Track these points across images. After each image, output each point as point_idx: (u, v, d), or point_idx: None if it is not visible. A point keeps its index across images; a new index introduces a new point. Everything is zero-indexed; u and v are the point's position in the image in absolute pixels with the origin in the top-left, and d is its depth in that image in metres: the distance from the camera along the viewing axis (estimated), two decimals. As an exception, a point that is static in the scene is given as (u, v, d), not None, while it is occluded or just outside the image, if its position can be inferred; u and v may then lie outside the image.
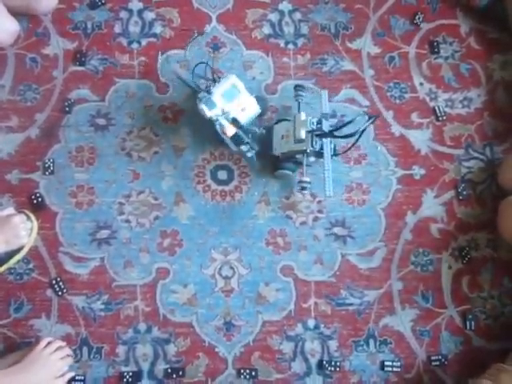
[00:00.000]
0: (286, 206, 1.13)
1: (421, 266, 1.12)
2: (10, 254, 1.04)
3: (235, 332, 1.07)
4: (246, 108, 1.05)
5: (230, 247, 1.11)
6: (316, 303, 1.09)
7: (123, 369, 1.05)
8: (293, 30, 1.21)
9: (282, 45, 1.20)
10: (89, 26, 1.19)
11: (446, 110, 1.20)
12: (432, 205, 1.15)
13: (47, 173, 1.11)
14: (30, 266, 1.08)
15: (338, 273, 1.11)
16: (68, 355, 1.01)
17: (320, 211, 1.13)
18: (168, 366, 1.05)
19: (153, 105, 1.16)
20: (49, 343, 1.00)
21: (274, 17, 1.22)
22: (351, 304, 1.10)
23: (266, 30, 1.21)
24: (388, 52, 1.22)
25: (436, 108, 1.19)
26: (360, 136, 1.03)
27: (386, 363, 1.07)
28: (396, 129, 1.18)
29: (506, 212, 1.10)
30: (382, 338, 1.09)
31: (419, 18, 1.23)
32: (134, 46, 1.19)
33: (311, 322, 1.09)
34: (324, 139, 1.05)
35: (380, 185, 1.15)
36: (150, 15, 1.20)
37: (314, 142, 1.04)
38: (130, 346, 1.06)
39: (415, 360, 1.09)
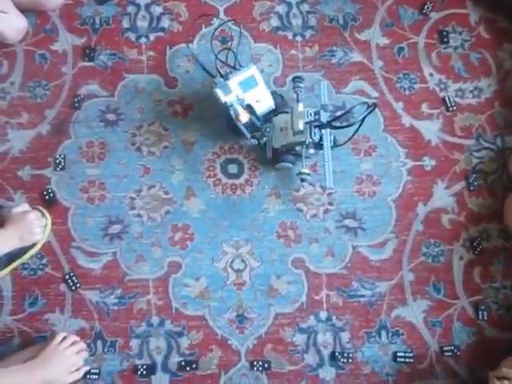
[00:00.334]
0: (297, 198, 1.13)
1: (432, 257, 1.12)
2: (24, 250, 1.05)
3: (248, 324, 1.08)
4: (260, 100, 1.04)
5: (241, 240, 1.11)
6: (328, 295, 1.10)
7: (137, 362, 1.06)
8: (301, 21, 1.21)
9: (290, 37, 1.20)
10: (97, 21, 1.19)
11: (457, 100, 1.19)
12: (443, 196, 1.15)
13: (58, 168, 1.12)
14: (44, 261, 1.09)
15: (349, 265, 1.11)
16: (83, 350, 1.02)
17: (330, 203, 1.13)
18: (181, 358, 1.06)
19: (162, 99, 1.16)
20: (64, 338, 1.01)
21: (281, 9, 1.21)
22: (363, 296, 1.10)
23: (274, 22, 1.21)
24: (397, 42, 1.21)
25: (446, 98, 1.18)
26: (360, 126, 1.03)
27: (399, 354, 1.08)
28: (406, 120, 1.17)
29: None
30: (394, 329, 1.09)
31: (428, 8, 1.22)
32: (143, 40, 1.19)
33: (323, 314, 1.09)
34: (323, 130, 1.04)
35: (390, 176, 1.15)
36: (157, 9, 1.20)
37: (312, 134, 1.03)
38: (143, 339, 1.07)
39: (427, 351, 1.09)
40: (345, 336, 1.08)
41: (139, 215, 1.11)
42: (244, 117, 1.01)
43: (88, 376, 1.03)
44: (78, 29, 1.19)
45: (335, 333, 1.09)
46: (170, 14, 1.20)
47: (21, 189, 1.11)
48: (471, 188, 1.15)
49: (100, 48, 1.18)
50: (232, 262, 1.10)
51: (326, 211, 1.13)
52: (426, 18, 1.23)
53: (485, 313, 1.10)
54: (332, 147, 1.06)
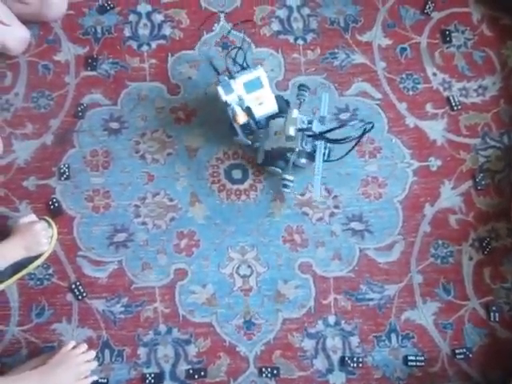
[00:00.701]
0: (302, 202, 1.12)
1: (441, 259, 1.11)
2: (30, 260, 1.05)
3: (255, 331, 1.07)
4: (263, 103, 1.03)
5: (247, 246, 1.10)
6: (336, 299, 1.08)
7: (145, 370, 1.05)
8: (302, 25, 1.21)
9: (292, 41, 1.20)
10: (98, 30, 1.20)
11: (461, 99, 1.18)
12: (450, 196, 1.13)
13: (63, 178, 1.12)
14: (50, 271, 1.09)
15: (356, 268, 1.10)
16: (92, 359, 1.02)
17: (336, 206, 1.12)
18: (190, 366, 1.05)
19: (165, 106, 1.16)
20: (74, 346, 1.00)
21: (282, 13, 1.21)
22: (371, 299, 1.09)
23: (275, 26, 1.21)
24: (399, 43, 1.20)
25: (450, 98, 1.17)
26: (355, 145, 1.02)
27: (410, 358, 1.06)
28: (410, 120, 1.16)
29: None
30: (404, 332, 1.08)
31: (430, 8, 1.21)
32: (144, 48, 1.19)
33: (332, 319, 1.08)
34: (318, 142, 1.03)
35: (396, 177, 1.14)
36: (158, 17, 1.21)
37: (304, 142, 1.02)
38: (150, 347, 1.06)
39: (439, 354, 1.07)
40: (354, 340, 1.07)
41: (144, 223, 1.11)
42: (241, 118, 1.01)
43: (96, 386, 1.03)
44: (80, 39, 1.20)
45: (344, 337, 1.07)
46: (171, 21, 1.21)
47: (26, 199, 1.11)
48: (478, 187, 1.14)
49: (102, 57, 1.18)
50: (238, 267, 1.09)
51: (332, 214, 1.12)
52: (428, 17, 1.22)
53: (497, 314, 1.08)
54: (326, 160, 1.05)
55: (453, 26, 1.22)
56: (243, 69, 1.04)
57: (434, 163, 1.15)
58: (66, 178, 1.12)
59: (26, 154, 1.13)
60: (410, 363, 1.06)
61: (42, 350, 1.05)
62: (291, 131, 1.01)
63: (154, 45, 1.19)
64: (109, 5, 1.20)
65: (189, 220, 1.11)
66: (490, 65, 1.20)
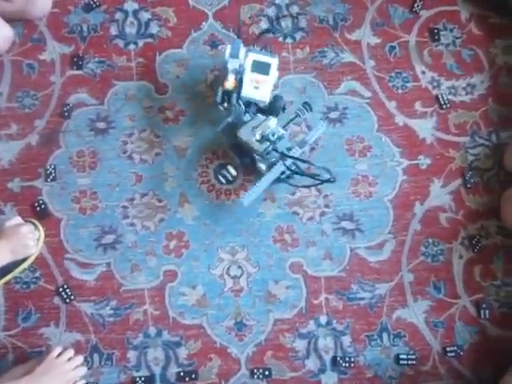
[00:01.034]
0: (292, 202, 1.12)
1: (431, 257, 1.11)
2: (16, 263, 1.03)
3: (247, 332, 1.06)
4: (258, 89, 1.02)
5: (237, 246, 1.09)
6: (327, 299, 1.08)
7: (135, 374, 1.03)
8: (290, 23, 1.20)
9: (281, 39, 1.19)
10: (84, 29, 1.18)
11: (450, 97, 1.18)
12: (439, 194, 1.14)
13: (49, 179, 1.10)
14: (37, 274, 1.06)
15: (347, 267, 1.09)
16: (80, 365, 1.00)
17: (327, 206, 1.12)
18: (180, 369, 1.04)
19: (152, 106, 1.15)
20: (61, 353, 0.98)
21: (271, 11, 1.20)
22: (362, 298, 1.08)
23: (264, 25, 1.20)
24: (388, 42, 1.20)
25: (439, 96, 1.17)
26: (313, 185, 1.04)
27: (401, 356, 1.06)
28: (400, 119, 1.16)
29: (507, 203, 1.09)
30: (396, 331, 1.07)
31: (418, 6, 1.21)
32: (131, 47, 1.17)
33: (323, 319, 1.07)
34: (280, 161, 1.01)
35: (386, 176, 1.14)
36: (145, 15, 1.19)
37: (267, 152, 1.00)
38: (140, 350, 1.05)
39: (430, 352, 1.07)
40: (346, 340, 1.07)
41: (133, 224, 1.09)
42: (229, 84, 1.00)
43: (85, 390, 1.01)
44: (65, 37, 1.17)
45: (336, 337, 1.07)
46: (158, 19, 1.19)
47: (11, 201, 1.09)
48: (468, 185, 1.14)
49: (88, 56, 1.16)
50: (229, 268, 1.08)
51: (323, 214, 1.11)
52: (417, 16, 1.22)
53: (487, 311, 1.09)
54: (282, 180, 1.03)
55: (441, 25, 1.22)
56: (264, 49, 1.04)
57: (424, 162, 1.15)
58: (52, 180, 1.10)
59: (10, 154, 1.11)
60: (401, 362, 1.06)
61: (29, 355, 1.03)
62: (257, 135, 1.00)
63: (141, 43, 1.18)
64: (94, 3, 1.18)
65: (178, 221, 1.10)
66: (478, 63, 1.20)
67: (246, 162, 1.07)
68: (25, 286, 1.06)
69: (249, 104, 1.05)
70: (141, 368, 1.04)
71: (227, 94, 1.03)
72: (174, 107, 1.14)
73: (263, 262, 1.09)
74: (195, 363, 1.04)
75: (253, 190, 1.00)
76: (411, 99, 1.18)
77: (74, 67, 1.16)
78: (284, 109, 1.10)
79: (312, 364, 1.05)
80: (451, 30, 1.22)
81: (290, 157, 1.01)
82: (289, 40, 1.19)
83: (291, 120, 1.07)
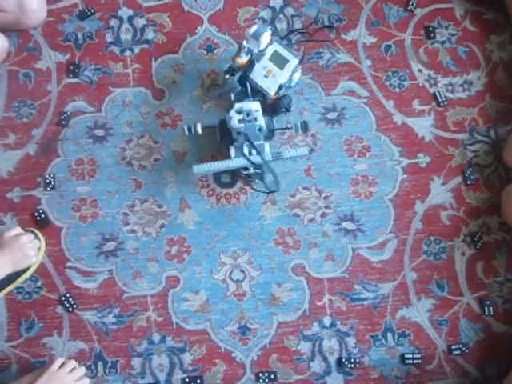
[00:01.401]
0: (293, 204, 1.11)
1: (433, 255, 1.11)
2: (18, 273, 1.03)
3: (251, 336, 1.05)
4: (268, 79, 1.04)
5: (238, 250, 1.09)
6: (330, 300, 1.08)
7: (140, 381, 1.03)
8: (286, 25, 1.20)
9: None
10: (80, 36, 1.18)
11: (447, 94, 1.18)
12: (440, 192, 1.13)
13: (48, 188, 1.10)
14: (38, 284, 1.06)
15: (350, 268, 1.09)
16: (83, 376, 0.99)
17: (327, 207, 1.11)
18: (185, 375, 1.04)
19: (150, 112, 1.14)
20: (63, 364, 0.98)
21: (266, 14, 1.20)
22: (366, 298, 1.08)
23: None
24: (384, 41, 1.20)
25: (437, 94, 1.17)
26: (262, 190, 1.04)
27: (407, 356, 1.06)
28: (398, 118, 1.16)
29: (508, 199, 1.09)
30: (400, 330, 1.07)
31: (413, 4, 1.21)
32: (127, 53, 1.17)
33: (327, 320, 1.07)
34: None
35: (386, 176, 1.13)
36: (140, 21, 1.19)
37: (238, 131, 1.00)
38: (145, 357, 1.04)
39: (435, 351, 1.07)
40: (350, 341, 1.06)
41: (133, 231, 1.09)
42: (240, 60, 1.01)
43: (90, 399, 1.01)
44: (61, 45, 1.17)
45: (340, 338, 1.06)
46: (153, 25, 1.19)
47: (11, 211, 1.09)
48: (468, 182, 1.14)
49: (84, 64, 1.16)
50: (231, 272, 1.08)
51: (324, 215, 1.11)
52: (412, 14, 1.22)
53: (491, 308, 1.08)
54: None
55: (436, 22, 1.22)
56: (288, 47, 1.06)
57: (423, 160, 1.15)
58: (51, 188, 1.10)
59: (9, 165, 1.11)
60: (406, 361, 1.06)
61: (33, 365, 1.03)
62: (234, 121, 1.00)
63: (136, 49, 1.17)
64: (89, 10, 1.18)
65: (179, 226, 1.09)
66: (474, 60, 1.20)
67: (225, 140, 1.06)
68: (27, 296, 1.06)
69: (257, 92, 1.06)
70: (145, 375, 1.03)
71: (232, 68, 1.03)
72: (171, 112, 1.14)
73: (265, 265, 1.08)
74: (200, 369, 1.04)
75: (208, 164, 1.00)
76: (409, 98, 1.17)
77: (71, 75, 1.15)
78: (289, 110, 1.10)
79: (317, 366, 1.05)
80: (446, 28, 1.22)
81: (253, 145, 1.00)
82: (285, 42, 1.18)
83: (281, 129, 1.07)
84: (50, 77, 1.16)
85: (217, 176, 1.12)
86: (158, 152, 1.13)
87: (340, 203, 1.12)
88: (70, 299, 1.05)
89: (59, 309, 1.05)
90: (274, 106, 1.09)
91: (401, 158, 1.14)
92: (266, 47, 1.04)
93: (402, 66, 1.19)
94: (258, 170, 1.02)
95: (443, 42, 1.21)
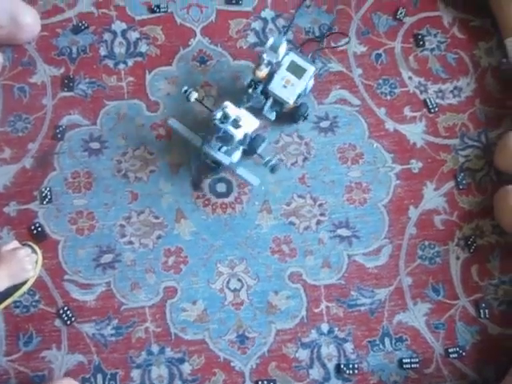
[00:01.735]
0: (288, 212, 1.12)
1: (428, 259, 1.12)
2: (15, 287, 1.03)
3: (249, 344, 1.06)
4: (286, 89, 1.06)
5: (235, 259, 1.10)
6: (328, 307, 1.08)
7: (140, 393, 1.03)
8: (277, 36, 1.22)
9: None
10: (74, 50, 1.19)
11: (438, 101, 1.20)
12: (433, 197, 1.15)
13: (45, 202, 1.10)
14: (36, 297, 1.06)
15: (346, 274, 1.10)
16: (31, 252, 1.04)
17: (322, 214, 1.12)
18: (185, 385, 1.04)
19: (145, 124, 1.16)
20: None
21: (257, 25, 1.22)
22: (363, 304, 1.09)
23: (251, 38, 1.21)
24: (374, 49, 1.22)
25: (427, 100, 1.19)
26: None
27: (404, 360, 1.06)
28: (390, 125, 1.18)
29: (501, 202, 1.10)
30: (398, 335, 1.08)
31: (401, 13, 1.24)
32: (121, 66, 1.18)
33: (325, 327, 1.08)
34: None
35: (379, 182, 1.15)
36: (133, 35, 1.20)
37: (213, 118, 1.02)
38: (144, 368, 1.04)
39: (433, 354, 1.08)
40: (348, 347, 1.07)
41: (130, 242, 1.09)
42: (260, 73, 1.03)
43: (90, 412, 1.01)
44: (55, 59, 1.18)
45: (338, 344, 1.07)
46: (146, 38, 1.20)
47: (8, 225, 1.09)
48: (460, 187, 1.15)
49: (79, 77, 1.17)
50: (228, 282, 1.09)
51: (319, 222, 1.12)
52: (401, 23, 1.24)
53: (486, 310, 1.09)
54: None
55: (425, 30, 1.24)
56: (311, 60, 1.10)
57: (416, 165, 1.16)
58: (48, 202, 1.10)
59: (5, 179, 1.11)
60: (405, 366, 1.06)
61: (32, 380, 1.03)
62: (218, 115, 1.01)
63: (130, 62, 1.19)
64: (83, 24, 1.20)
65: (175, 237, 1.10)
66: (463, 66, 1.22)
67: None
68: (25, 310, 1.06)
69: (275, 102, 1.08)
70: (145, 386, 1.04)
71: (254, 82, 1.05)
72: (166, 124, 1.15)
73: (262, 273, 1.09)
74: (199, 379, 1.04)
75: (183, 129, 1.07)
76: (400, 105, 1.19)
77: (65, 89, 1.16)
78: (306, 117, 1.13)
79: (316, 373, 1.05)
80: (435, 35, 1.24)
81: (221, 143, 1.03)
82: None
83: (258, 154, 1.06)
84: (44, 91, 1.17)
85: (212, 186, 1.13)
86: (153, 163, 1.14)
87: (335, 210, 1.13)
88: (68, 312, 1.05)
89: (57, 322, 1.05)
90: (292, 115, 1.12)
91: (393, 164, 1.16)
92: (283, 58, 1.07)
93: (393, 73, 1.21)
94: (214, 165, 1.07)
95: (432, 50, 1.23)
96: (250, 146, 1.06)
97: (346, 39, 1.20)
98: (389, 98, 1.19)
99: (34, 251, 1.05)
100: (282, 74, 1.07)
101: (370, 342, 1.07)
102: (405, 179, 1.15)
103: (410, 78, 1.21)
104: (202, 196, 1.12)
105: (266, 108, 1.10)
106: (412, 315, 1.09)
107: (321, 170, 1.14)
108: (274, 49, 1.03)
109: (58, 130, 1.14)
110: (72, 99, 1.16)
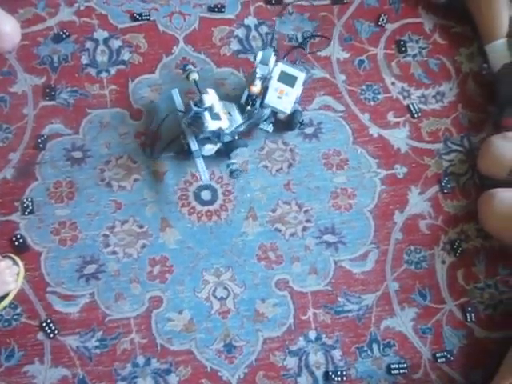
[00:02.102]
0: (274, 219, 1.12)
1: (415, 264, 1.12)
2: (-4, 301, 1.01)
3: (237, 353, 1.05)
4: (281, 100, 1.06)
5: (221, 267, 1.09)
6: (315, 314, 1.08)
7: (125, 406, 1.01)
8: (261, 43, 1.22)
9: (252, 59, 1.20)
10: (55, 59, 1.17)
11: (421, 106, 1.21)
12: (418, 201, 1.15)
13: (26, 212, 1.08)
14: (18, 310, 1.04)
15: (333, 280, 1.10)
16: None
17: (308, 220, 1.12)
18: (171, 397, 1.02)
19: (128, 132, 1.14)
20: None
21: (240, 32, 1.22)
22: (350, 310, 1.08)
23: (234, 46, 1.21)
24: (357, 56, 1.23)
25: (410, 105, 1.20)
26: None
27: (393, 366, 1.06)
28: (374, 130, 1.18)
29: (484, 206, 1.11)
30: (385, 340, 1.08)
31: (383, 20, 1.25)
32: (103, 75, 1.17)
33: (312, 334, 1.07)
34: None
35: (365, 187, 1.15)
36: (116, 43, 1.20)
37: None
38: (129, 381, 1.02)
39: (421, 359, 1.07)
40: (336, 354, 1.06)
41: (114, 252, 1.08)
42: (255, 89, 1.03)
43: (74, 427, 0.99)
44: (36, 68, 1.17)
45: (326, 351, 1.06)
46: (129, 46, 1.20)
47: (-12, 237, 1.07)
48: (445, 191, 1.16)
49: (60, 86, 1.16)
50: (214, 290, 1.08)
51: (305, 229, 1.12)
52: (383, 29, 1.25)
53: (472, 314, 1.10)
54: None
55: (407, 36, 1.25)
56: (295, 64, 1.11)
57: (400, 171, 1.17)
58: (29, 213, 1.08)
59: (-15, 190, 1.09)
60: (393, 371, 1.06)
61: (13, 395, 1.00)
62: (206, 100, 1.02)
63: (113, 71, 1.18)
64: (64, 33, 1.18)
65: (160, 246, 1.09)
66: (445, 72, 1.24)
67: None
68: (6, 324, 1.03)
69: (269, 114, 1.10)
70: (131, 399, 1.02)
71: (252, 98, 1.05)
72: (149, 132, 1.14)
73: (249, 281, 1.08)
74: (186, 390, 1.03)
75: (180, 104, 1.09)
76: (383, 110, 1.20)
77: (47, 98, 1.15)
78: (302, 124, 1.13)
79: (304, 381, 1.04)
80: (417, 41, 1.25)
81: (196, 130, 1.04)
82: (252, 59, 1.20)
83: (229, 155, 1.08)
84: (25, 100, 1.15)
85: (197, 194, 1.12)
86: (137, 172, 1.12)
87: (320, 216, 1.13)
88: (51, 325, 1.03)
89: (40, 335, 1.03)
90: (288, 123, 1.13)
91: (378, 169, 1.16)
92: (272, 69, 1.07)
93: (376, 79, 1.22)
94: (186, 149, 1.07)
95: (414, 56, 1.24)
96: (227, 147, 1.06)
97: (329, 42, 1.20)
98: (372, 103, 1.20)
99: (15, 263, 1.03)
100: (275, 86, 1.07)
101: (358, 348, 1.07)
102: (390, 184, 1.15)
103: (393, 83, 1.22)
104: (187, 204, 1.11)
105: (262, 121, 1.11)
106: (399, 320, 1.09)
107: (306, 177, 1.14)
108: (265, 62, 1.04)
109: (39, 140, 1.12)
110: (54, 108, 1.15)
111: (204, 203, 1.12)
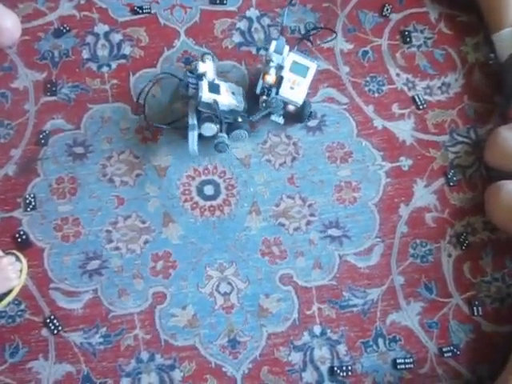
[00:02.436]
0: (278, 213, 1.11)
1: (420, 258, 1.11)
2: (0, 297, 1.01)
3: (241, 349, 1.04)
4: (294, 90, 1.05)
5: (225, 262, 1.08)
6: (320, 309, 1.07)
7: (130, 401, 1.01)
8: (263, 35, 1.20)
9: (254, 51, 1.19)
10: (56, 54, 1.17)
11: (426, 97, 1.19)
12: (424, 194, 1.14)
13: (29, 209, 1.08)
14: (22, 307, 1.04)
15: (337, 275, 1.08)
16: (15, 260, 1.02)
17: (312, 214, 1.11)
18: (176, 392, 1.02)
19: (130, 127, 1.14)
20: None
21: (242, 25, 1.21)
22: (355, 305, 1.07)
23: (236, 38, 1.20)
24: (361, 47, 1.21)
25: (415, 97, 1.18)
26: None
27: (398, 361, 1.05)
28: (378, 122, 1.17)
29: (491, 198, 1.09)
30: (391, 335, 1.07)
31: (388, 10, 1.23)
32: (105, 69, 1.16)
33: (317, 329, 1.06)
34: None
35: (369, 180, 1.13)
36: (117, 37, 1.18)
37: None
38: (134, 377, 1.02)
39: (427, 354, 1.06)
40: (341, 349, 1.05)
41: (117, 248, 1.07)
42: (269, 78, 1.02)
43: (79, 423, 0.99)
44: (37, 64, 1.16)
45: (331, 346, 1.06)
46: (130, 40, 1.18)
47: (-9, 234, 1.07)
48: (451, 184, 1.14)
49: (61, 81, 1.15)
50: (218, 285, 1.07)
51: (309, 223, 1.11)
52: (387, 20, 1.23)
53: (479, 308, 1.08)
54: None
55: (411, 27, 1.23)
56: (303, 52, 1.09)
57: (405, 163, 1.15)
58: (32, 209, 1.08)
59: (-13, 187, 1.09)
60: (399, 366, 1.05)
61: (18, 391, 1.00)
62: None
63: (114, 65, 1.17)
64: (65, 28, 1.17)
65: (163, 241, 1.08)
66: (450, 62, 1.21)
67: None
68: (10, 321, 1.03)
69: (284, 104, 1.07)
70: (135, 395, 1.02)
71: (267, 88, 1.04)
72: (151, 127, 1.13)
73: (252, 276, 1.07)
74: (191, 385, 1.02)
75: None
76: (388, 102, 1.18)
77: (48, 93, 1.14)
78: (310, 116, 1.12)
79: (309, 376, 1.04)
80: (422, 32, 1.23)
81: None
82: (262, 52, 1.19)
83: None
84: (27, 96, 1.14)
85: (200, 188, 1.11)
86: (139, 167, 1.12)
87: (325, 210, 1.11)
88: (55, 321, 1.03)
89: (44, 331, 1.03)
90: (298, 116, 1.11)
91: (383, 162, 1.15)
92: (285, 59, 1.06)
93: (380, 70, 1.20)
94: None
95: (419, 46, 1.22)
96: (228, 129, 1.06)
97: (333, 35, 1.18)
98: (377, 95, 1.18)
99: (18, 260, 1.03)
100: (287, 76, 1.05)
101: (363, 343, 1.06)
102: (395, 177, 1.14)
103: (397, 74, 1.20)
104: (189, 199, 1.10)
105: (275, 112, 1.09)
106: (405, 315, 1.08)
107: (309, 170, 1.13)
108: (279, 51, 1.03)
109: (41, 136, 1.11)
110: (55, 104, 1.14)
111: (207, 198, 1.11)
